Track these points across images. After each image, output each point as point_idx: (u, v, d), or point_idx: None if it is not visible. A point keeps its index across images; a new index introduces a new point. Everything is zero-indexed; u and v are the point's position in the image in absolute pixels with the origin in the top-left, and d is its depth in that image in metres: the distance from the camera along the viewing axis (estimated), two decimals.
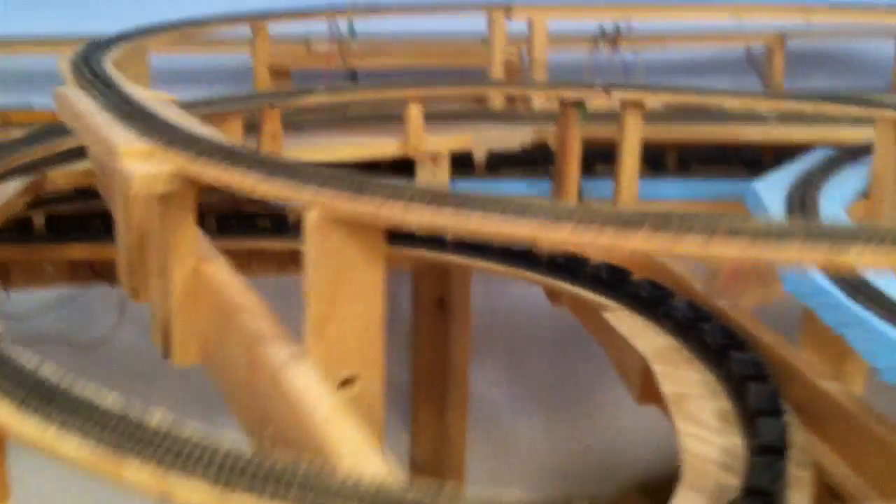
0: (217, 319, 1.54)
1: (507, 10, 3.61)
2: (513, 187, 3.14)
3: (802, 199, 2.47)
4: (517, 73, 3.84)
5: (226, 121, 2.70)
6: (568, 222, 1.22)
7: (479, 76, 3.74)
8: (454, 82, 3.17)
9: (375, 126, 3.12)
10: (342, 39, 3.85)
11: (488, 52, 3.64)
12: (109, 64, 2.18)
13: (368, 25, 3.85)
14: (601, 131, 3.05)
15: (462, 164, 3.14)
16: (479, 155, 3.11)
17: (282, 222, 2.92)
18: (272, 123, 2.77)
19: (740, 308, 2.32)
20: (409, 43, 3.93)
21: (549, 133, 3.13)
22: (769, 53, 4.20)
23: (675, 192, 3.11)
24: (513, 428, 4.74)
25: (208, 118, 2.64)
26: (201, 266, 1.55)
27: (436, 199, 1.32)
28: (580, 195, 3.12)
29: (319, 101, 2.88)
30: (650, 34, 4.09)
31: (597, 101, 2.96)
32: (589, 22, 3.90)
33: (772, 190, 2.56)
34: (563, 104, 2.99)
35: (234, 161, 1.45)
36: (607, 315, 2.45)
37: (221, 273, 1.54)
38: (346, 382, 1.35)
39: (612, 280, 2.46)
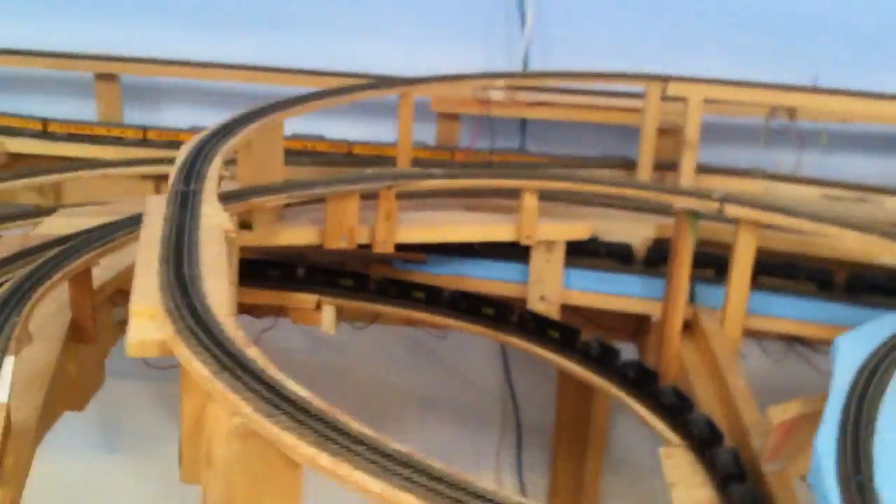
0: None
1: (664, 84, 3.57)
2: (628, 285, 3.15)
3: (879, 367, 2.38)
4: (678, 135, 3.79)
5: (345, 199, 2.91)
6: None
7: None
8: (567, 177, 3.20)
9: (495, 202, 3.21)
10: (513, 91, 3.97)
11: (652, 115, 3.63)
12: None
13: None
14: (720, 233, 3.01)
15: (579, 251, 3.19)
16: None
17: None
18: (387, 203, 2.95)
19: (783, 476, 2.30)
20: (575, 99, 3.97)
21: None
22: None
23: (785, 310, 3.02)
24: (650, 480, 4.76)
25: (327, 197, 2.89)
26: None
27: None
28: (692, 300, 3.11)
29: (436, 186, 3.02)
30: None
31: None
32: (748, 102, 3.77)
33: (854, 349, 2.47)
34: (677, 212, 2.98)
35: None
36: (662, 450, 2.49)
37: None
38: None
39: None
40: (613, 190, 3.07)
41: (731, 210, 2.87)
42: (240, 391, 1.49)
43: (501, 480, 4.67)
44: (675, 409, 2.60)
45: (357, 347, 4.50)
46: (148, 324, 1.72)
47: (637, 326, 3.34)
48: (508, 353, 4.45)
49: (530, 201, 3.05)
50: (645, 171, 3.66)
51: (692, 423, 2.49)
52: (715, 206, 2.89)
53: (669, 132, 3.81)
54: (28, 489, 4.74)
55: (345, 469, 1.35)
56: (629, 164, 3.82)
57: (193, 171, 2.38)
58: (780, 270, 3.13)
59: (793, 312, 3.04)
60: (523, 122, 4.26)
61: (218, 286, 1.82)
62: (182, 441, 1.83)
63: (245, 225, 2.87)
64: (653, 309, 3.13)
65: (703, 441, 2.43)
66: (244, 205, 2.69)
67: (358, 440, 1.41)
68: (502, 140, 4.24)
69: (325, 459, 1.37)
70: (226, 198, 2.67)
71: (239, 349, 1.61)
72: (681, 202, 2.95)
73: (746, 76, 3.80)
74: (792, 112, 3.92)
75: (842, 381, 2.31)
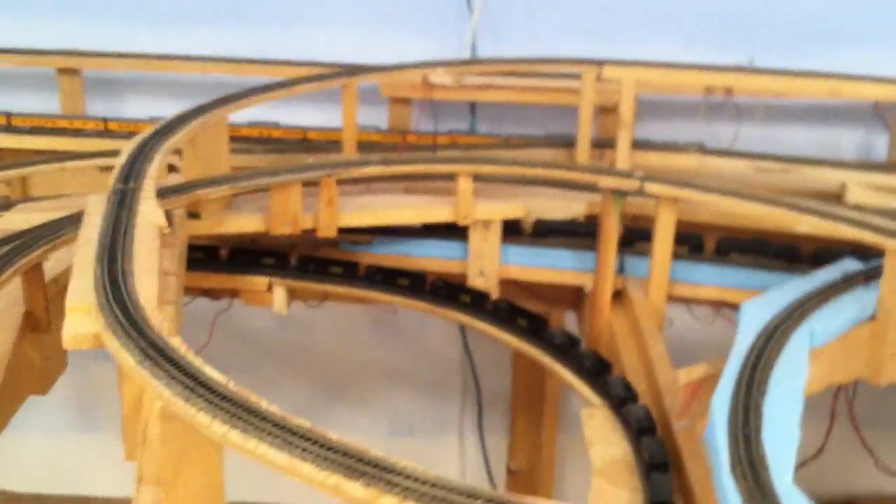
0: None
1: (599, 68, 3.73)
2: (559, 258, 3.33)
3: (776, 331, 2.56)
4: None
5: (287, 188, 3.07)
6: None
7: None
8: (502, 161, 3.36)
9: (436, 184, 3.38)
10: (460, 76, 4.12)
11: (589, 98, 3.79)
12: None
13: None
14: (647, 208, 3.18)
15: (514, 230, 3.37)
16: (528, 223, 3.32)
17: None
18: (328, 191, 3.12)
19: (691, 433, 2.49)
20: (520, 82, 4.12)
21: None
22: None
23: (711, 278, 3.20)
24: None
25: (270, 187, 3.06)
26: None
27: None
28: (622, 271, 3.29)
29: (375, 173, 3.19)
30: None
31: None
32: (684, 84, 3.93)
33: (756, 313, 2.65)
34: (603, 191, 3.15)
35: None
36: (583, 411, 2.68)
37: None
38: None
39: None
40: (542, 172, 3.24)
41: (651, 188, 3.04)
42: (160, 377, 1.67)
43: (464, 444, 4.88)
44: (595, 372, 2.78)
45: (319, 324, 4.68)
46: (82, 318, 1.89)
47: (575, 298, 3.51)
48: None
49: (465, 184, 3.22)
50: (584, 150, 3.82)
51: (609, 385, 2.68)
52: (636, 184, 3.06)
53: (613, 110, 3.97)
54: (7, 470, 4.94)
55: (252, 444, 1.53)
56: (573, 143, 3.98)
57: (133, 170, 2.54)
58: (705, 241, 3.30)
59: (716, 279, 3.22)
60: (473, 105, 4.41)
61: (148, 282, 1.99)
62: (124, 423, 2.01)
63: (193, 214, 3.03)
64: (585, 281, 3.31)
65: (619, 401, 2.62)
66: (189, 197, 2.85)
67: (265, 419, 1.59)
68: (453, 122, 4.40)
69: (235, 436, 1.55)
70: (172, 191, 2.84)
71: (163, 339, 1.78)
72: (605, 182, 3.12)
73: (687, 58, 3.97)
74: (728, 90, 4.08)
75: (742, 343, 2.51)
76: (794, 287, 2.80)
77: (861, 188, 3.65)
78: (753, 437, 2.12)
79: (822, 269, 2.95)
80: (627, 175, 3.10)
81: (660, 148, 3.95)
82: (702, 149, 3.95)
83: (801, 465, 2.94)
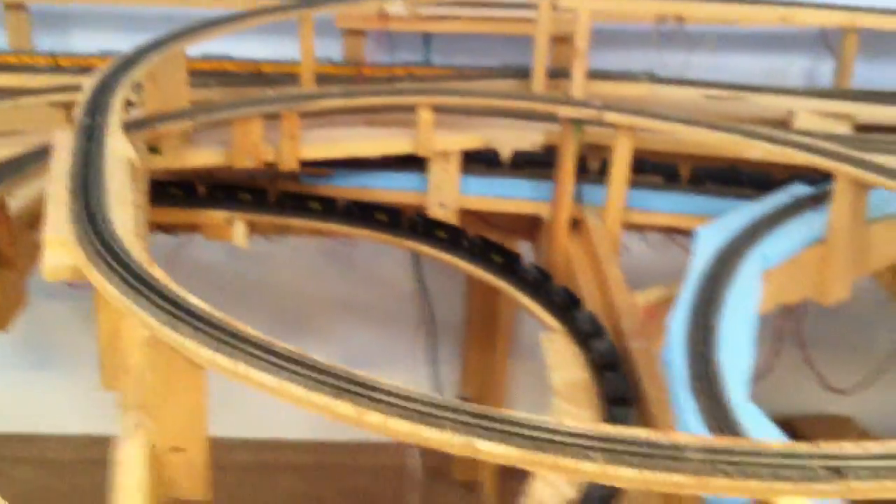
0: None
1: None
2: (518, 188, 3.39)
3: (730, 254, 2.66)
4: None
5: (248, 121, 3.08)
6: None
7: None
8: (463, 92, 3.40)
9: (397, 116, 3.40)
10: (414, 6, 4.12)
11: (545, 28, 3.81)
12: None
13: None
14: (604, 137, 3.24)
15: (475, 159, 3.41)
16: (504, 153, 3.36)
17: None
18: (290, 124, 3.14)
19: (648, 353, 2.59)
20: (475, 12, 4.13)
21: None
22: (844, 35, 4.13)
23: (663, 205, 3.29)
24: None
25: (231, 120, 3.06)
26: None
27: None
28: (579, 200, 3.36)
29: (336, 106, 3.21)
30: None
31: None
32: (631, 12, 3.98)
33: (711, 238, 2.75)
34: (562, 120, 3.20)
35: None
36: (542, 336, 2.77)
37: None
38: (176, 449, 1.77)
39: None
40: (503, 102, 3.29)
41: (609, 117, 3.11)
42: (146, 307, 1.71)
43: (417, 373, 4.97)
44: (546, 291, 2.86)
45: (276, 259, 4.70)
46: (60, 251, 1.91)
47: (532, 227, 3.58)
48: (420, 256, 4.68)
49: (426, 116, 3.26)
50: (539, 80, 3.86)
51: (553, 294, 2.76)
52: (595, 113, 3.12)
53: (567, 40, 4.01)
54: None
55: (242, 368, 1.59)
56: (528, 74, 4.01)
57: (98, 104, 2.53)
58: (659, 169, 3.38)
59: (669, 206, 3.31)
60: (427, 36, 4.41)
61: (124, 213, 2.02)
62: (101, 353, 2.05)
63: (154, 149, 3.04)
64: (543, 210, 3.38)
65: (579, 324, 2.70)
66: (150, 132, 2.86)
67: (252, 342, 1.64)
68: (408, 53, 4.40)
69: (223, 360, 1.60)
70: (132, 126, 2.84)
71: (144, 269, 1.82)
72: (564, 111, 3.18)
73: None
74: (680, 18, 4.13)
75: (697, 267, 2.60)
76: (745, 212, 2.90)
77: (808, 114, 3.75)
78: (709, 356, 2.23)
79: (772, 195, 3.04)
80: (586, 104, 3.16)
81: (612, 77, 4.01)
82: (653, 77, 4.02)
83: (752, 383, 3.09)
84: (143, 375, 1.74)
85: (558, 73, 3.98)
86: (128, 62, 2.84)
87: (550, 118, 3.37)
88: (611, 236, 3.17)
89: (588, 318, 2.71)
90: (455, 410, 1.47)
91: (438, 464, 4.62)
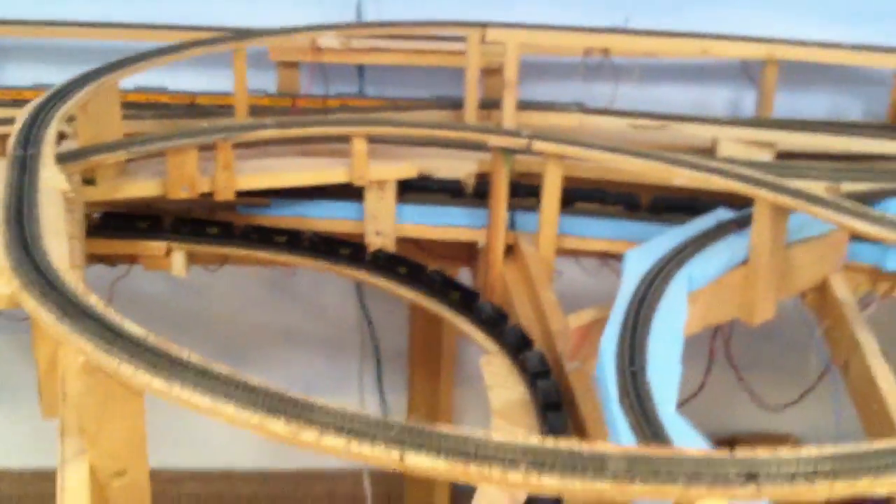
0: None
1: (483, 30, 3.85)
2: (454, 216, 3.45)
3: (657, 276, 2.75)
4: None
5: (183, 152, 3.11)
6: None
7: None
8: (396, 122, 3.46)
9: (332, 146, 3.45)
10: (347, 39, 4.19)
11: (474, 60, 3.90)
12: None
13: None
14: (535, 165, 3.32)
15: (409, 188, 3.47)
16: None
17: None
18: (224, 154, 3.17)
19: (582, 373, 2.66)
20: (407, 45, 4.21)
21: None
22: (765, 66, 4.29)
23: (596, 231, 3.37)
24: None
25: (166, 151, 3.09)
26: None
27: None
28: (513, 227, 3.43)
29: (271, 136, 3.25)
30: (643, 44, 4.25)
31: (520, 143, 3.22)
32: (559, 45, 4.10)
33: (639, 261, 2.83)
34: (493, 149, 3.28)
35: None
36: (482, 359, 2.83)
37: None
38: (119, 474, 1.79)
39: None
40: (436, 132, 3.36)
41: (538, 146, 3.19)
42: (82, 333, 1.73)
43: (364, 402, 4.99)
44: (491, 321, 2.93)
45: (216, 289, 4.71)
46: None
47: (469, 253, 3.65)
48: (362, 285, 4.72)
49: (360, 146, 3.31)
50: (471, 111, 3.95)
51: (505, 333, 2.83)
52: (524, 142, 3.20)
53: (497, 72, 4.10)
54: None
55: (176, 390, 1.61)
56: (460, 105, 4.09)
57: (31, 136, 2.55)
58: (590, 196, 3.47)
59: (602, 232, 3.39)
60: (361, 68, 4.48)
61: (57, 243, 2.04)
62: (40, 382, 2.06)
63: (89, 181, 3.05)
64: (479, 237, 3.45)
65: (515, 347, 2.77)
66: (84, 163, 2.87)
67: (187, 366, 1.67)
68: (342, 85, 4.46)
69: (158, 383, 1.63)
70: (65, 157, 2.86)
71: (80, 297, 1.84)
72: (494, 140, 3.26)
73: (565, 19, 4.13)
74: (606, 51, 4.26)
75: (627, 289, 2.68)
76: (672, 236, 2.99)
77: (731, 142, 3.88)
78: (639, 373, 2.30)
79: (697, 219, 3.14)
80: (515, 134, 3.24)
81: (542, 108, 4.11)
82: (582, 108, 4.13)
83: (682, 403, 3.17)
84: (80, 402, 1.76)
85: (490, 104, 4.08)
86: (60, 94, 2.86)
87: (483, 148, 3.44)
88: (544, 262, 3.24)
89: (524, 340, 2.78)
90: (386, 426, 1.51)
91: (390, 491, 4.65)
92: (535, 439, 1.51)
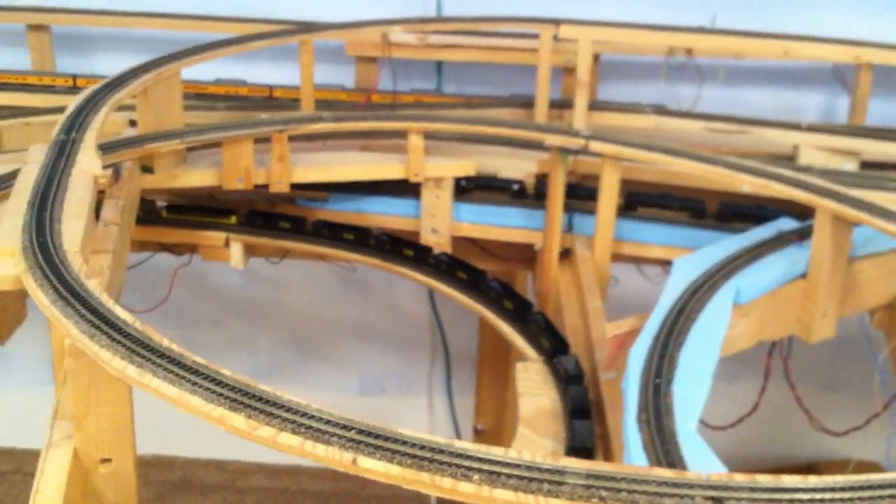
0: None
1: (556, 27, 3.77)
2: (511, 216, 3.39)
3: (703, 286, 2.63)
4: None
5: (239, 143, 3.13)
6: None
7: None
8: (452, 118, 3.41)
9: (394, 142, 3.42)
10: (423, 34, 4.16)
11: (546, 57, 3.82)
12: None
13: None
14: (598, 167, 3.23)
15: (468, 187, 3.42)
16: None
17: None
18: (280, 146, 3.17)
19: (615, 384, 2.56)
20: (483, 41, 4.16)
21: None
22: (857, 70, 4.07)
23: (656, 237, 3.25)
24: None
25: (222, 142, 3.11)
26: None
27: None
28: (569, 230, 3.34)
29: (323, 129, 3.24)
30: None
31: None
32: (640, 44, 3.97)
33: (686, 269, 2.71)
34: (549, 149, 3.20)
35: None
36: (518, 366, 2.76)
37: None
38: (104, 461, 1.79)
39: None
40: (490, 129, 3.29)
41: (596, 146, 3.09)
42: (70, 316, 1.74)
43: (433, 404, 4.96)
44: (532, 326, 2.85)
45: (290, 282, 4.75)
46: (7, 261, 1.96)
47: (527, 255, 3.57)
48: None
49: (416, 141, 3.27)
50: (542, 110, 3.87)
51: (542, 336, 2.74)
52: (581, 142, 3.11)
53: (576, 71, 4.01)
54: None
55: (147, 378, 1.60)
56: (534, 104, 4.01)
57: (77, 121, 2.59)
58: (654, 201, 3.36)
59: (663, 239, 3.27)
60: (439, 65, 4.45)
61: (75, 227, 2.06)
62: (55, 365, 2.09)
63: (147, 168, 3.09)
64: (537, 239, 3.37)
65: (552, 354, 2.69)
66: (137, 150, 2.91)
67: (164, 356, 1.66)
68: (420, 82, 4.44)
69: (132, 371, 1.62)
70: (121, 144, 2.90)
71: (79, 281, 1.85)
72: (551, 139, 3.17)
73: (650, 18, 4.01)
74: (689, 51, 4.12)
75: (668, 298, 2.57)
76: (727, 245, 2.86)
77: (813, 150, 3.69)
78: (663, 387, 2.19)
79: (757, 228, 3.00)
80: (573, 133, 3.15)
81: (617, 108, 4.00)
82: (658, 110, 4.00)
83: (737, 423, 3.03)
84: (71, 385, 1.77)
85: (564, 104, 3.98)
86: (117, 81, 2.91)
87: (543, 147, 3.36)
88: (597, 267, 3.14)
89: (564, 349, 2.69)
90: (345, 427, 1.46)
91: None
92: (496, 450, 1.44)
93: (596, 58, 4.10)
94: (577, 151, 3.13)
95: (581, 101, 3.81)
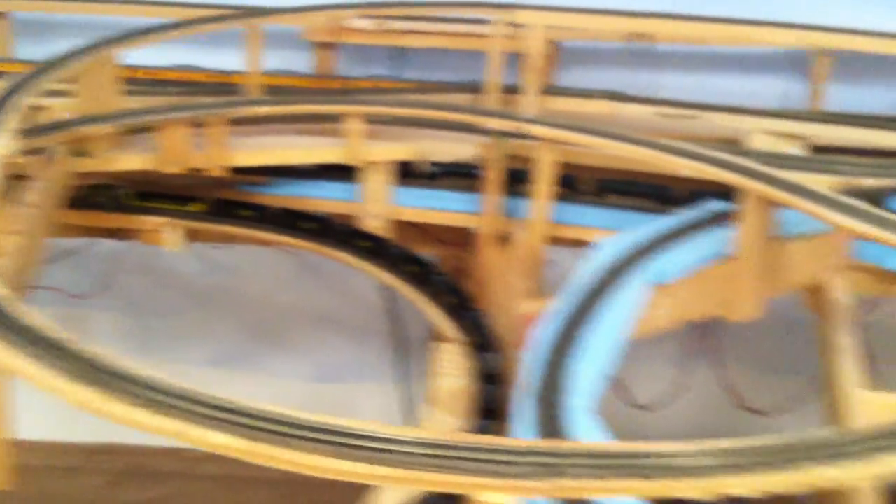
0: None
1: (510, 12, 3.76)
2: (450, 200, 3.37)
3: (621, 267, 2.62)
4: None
5: (175, 126, 3.13)
6: None
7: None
8: (391, 102, 3.40)
9: (336, 127, 3.41)
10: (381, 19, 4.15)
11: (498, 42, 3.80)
12: None
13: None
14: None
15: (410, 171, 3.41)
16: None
17: None
18: (217, 130, 3.17)
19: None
20: (438, 27, 4.15)
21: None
22: (815, 56, 4.04)
23: (590, 219, 3.24)
24: None
25: (157, 126, 3.11)
26: None
27: None
28: (513, 215, 3.33)
29: (262, 112, 3.24)
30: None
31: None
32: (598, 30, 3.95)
33: (608, 250, 2.70)
34: (488, 132, 3.19)
35: None
36: (434, 346, 2.76)
37: None
38: None
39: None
40: (428, 113, 3.28)
41: (533, 129, 3.08)
42: None
43: (390, 391, 4.93)
44: (452, 306, 2.84)
45: (246, 269, 4.74)
46: None
47: (465, 238, 3.55)
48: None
49: (355, 125, 3.27)
50: (492, 95, 3.85)
51: (465, 318, 2.74)
52: (516, 125, 3.09)
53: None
54: None
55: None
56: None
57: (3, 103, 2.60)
58: (591, 185, 3.34)
59: (600, 222, 3.25)
60: (402, 51, 4.43)
61: None
62: None
63: (82, 152, 3.09)
64: (472, 222, 3.36)
65: (471, 334, 2.69)
66: (69, 134, 2.92)
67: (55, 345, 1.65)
68: (382, 68, 4.43)
69: None
70: (50, 128, 2.91)
71: None
72: (487, 122, 3.16)
73: (609, 4, 3.98)
74: (650, 36, 4.10)
75: (581, 278, 2.56)
76: (653, 226, 2.84)
77: (763, 135, 3.66)
78: (561, 364, 2.18)
79: (686, 210, 2.98)
80: (509, 116, 3.14)
81: (571, 94, 3.98)
82: (613, 95, 3.97)
83: (667, 404, 3.02)
84: None
85: (518, 90, 3.96)
86: (49, 65, 2.92)
87: (484, 132, 3.35)
88: (532, 250, 3.13)
89: (481, 329, 2.69)
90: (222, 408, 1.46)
91: None
92: (331, 420, 1.44)
93: (556, 45, 4.09)
94: (513, 135, 3.11)
95: (532, 86, 3.79)
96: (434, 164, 3.40)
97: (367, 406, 4.77)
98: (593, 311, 2.41)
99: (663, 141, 3.01)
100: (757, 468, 1.42)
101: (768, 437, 1.44)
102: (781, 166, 2.93)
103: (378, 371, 4.81)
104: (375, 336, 4.80)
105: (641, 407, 2.73)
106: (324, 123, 3.48)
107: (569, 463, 1.33)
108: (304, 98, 3.43)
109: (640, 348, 2.50)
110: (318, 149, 3.34)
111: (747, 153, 3.14)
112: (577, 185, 3.34)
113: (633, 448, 1.34)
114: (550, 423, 1.98)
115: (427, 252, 3.40)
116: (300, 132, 3.49)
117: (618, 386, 2.88)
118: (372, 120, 3.31)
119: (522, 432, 1.99)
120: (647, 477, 1.31)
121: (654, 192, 3.30)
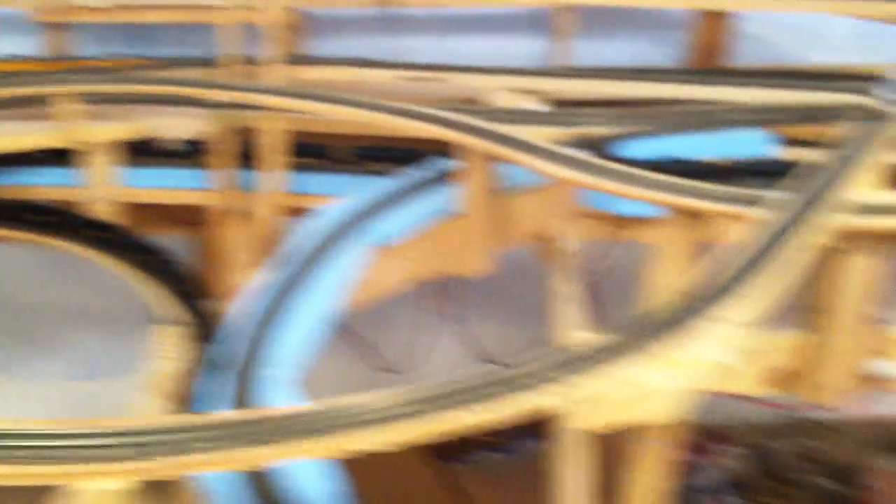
0: None
1: None
2: (187, 178, 3.22)
3: (340, 231, 2.54)
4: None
5: None
6: None
7: None
8: (106, 80, 3.22)
9: (40, 108, 3.19)
10: None
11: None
12: None
13: None
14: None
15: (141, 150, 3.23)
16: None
17: None
18: None
19: None
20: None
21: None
22: (559, 12, 4.06)
23: (342, 189, 3.13)
24: None
25: None
26: None
27: None
28: (242, 187, 3.20)
29: None
30: None
31: None
32: None
33: (326, 216, 2.62)
34: (212, 105, 3.04)
35: None
36: (152, 327, 2.61)
37: None
38: None
39: None
40: (151, 88, 3.12)
41: (255, 98, 2.95)
42: None
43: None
44: (177, 290, 2.71)
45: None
46: None
47: (198, 216, 3.40)
48: None
49: (68, 105, 3.06)
50: (231, 68, 3.69)
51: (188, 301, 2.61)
52: (237, 96, 2.97)
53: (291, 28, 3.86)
54: None
55: None
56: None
57: None
58: (340, 153, 3.25)
59: (349, 190, 3.16)
60: (146, 28, 4.22)
61: None
62: None
63: None
64: (204, 199, 3.22)
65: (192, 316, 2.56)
66: None
67: None
68: (122, 46, 4.21)
69: None
70: None
71: None
72: (211, 95, 3.02)
73: None
74: (399, 1, 4.03)
75: (295, 246, 2.47)
76: (375, 189, 2.78)
77: (505, 92, 3.65)
78: (263, 336, 2.09)
79: (411, 169, 2.93)
80: (229, 87, 3.00)
81: (316, 62, 3.86)
82: (358, 61, 3.89)
83: (422, 365, 2.96)
84: None
85: (255, 61, 3.82)
86: None
87: (220, 106, 3.20)
88: (264, 223, 3.01)
89: (204, 311, 2.56)
90: None
91: None
92: None
93: (303, 14, 3.98)
94: (235, 105, 2.98)
95: (269, 55, 3.65)
96: (175, 141, 3.23)
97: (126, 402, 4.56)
98: (306, 280, 2.31)
99: (386, 103, 2.94)
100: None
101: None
102: (520, 122, 2.91)
103: (139, 366, 4.61)
104: (136, 330, 4.59)
105: (389, 370, 2.66)
106: (40, 107, 3.27)
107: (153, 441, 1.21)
108: (9, 81, 3.18)
109: (383, 312, 2.44)
110: (31, 134, 3.11)
111: (482, 111, 3.11)
112: (329, 153, 3.24)
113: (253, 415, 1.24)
114: (236, 394, 1.89)
115: (166, 234, 3.22)
116: (25, 118, 3.26)
117: (364, 351, 2.81)
118: (96, 100, 3.11)
119: (200, 404, 1.89)
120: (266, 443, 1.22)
121: (410, 157, 3.23)
